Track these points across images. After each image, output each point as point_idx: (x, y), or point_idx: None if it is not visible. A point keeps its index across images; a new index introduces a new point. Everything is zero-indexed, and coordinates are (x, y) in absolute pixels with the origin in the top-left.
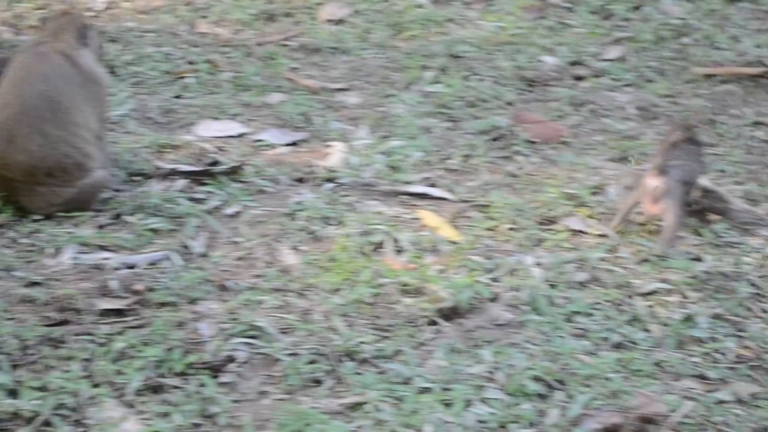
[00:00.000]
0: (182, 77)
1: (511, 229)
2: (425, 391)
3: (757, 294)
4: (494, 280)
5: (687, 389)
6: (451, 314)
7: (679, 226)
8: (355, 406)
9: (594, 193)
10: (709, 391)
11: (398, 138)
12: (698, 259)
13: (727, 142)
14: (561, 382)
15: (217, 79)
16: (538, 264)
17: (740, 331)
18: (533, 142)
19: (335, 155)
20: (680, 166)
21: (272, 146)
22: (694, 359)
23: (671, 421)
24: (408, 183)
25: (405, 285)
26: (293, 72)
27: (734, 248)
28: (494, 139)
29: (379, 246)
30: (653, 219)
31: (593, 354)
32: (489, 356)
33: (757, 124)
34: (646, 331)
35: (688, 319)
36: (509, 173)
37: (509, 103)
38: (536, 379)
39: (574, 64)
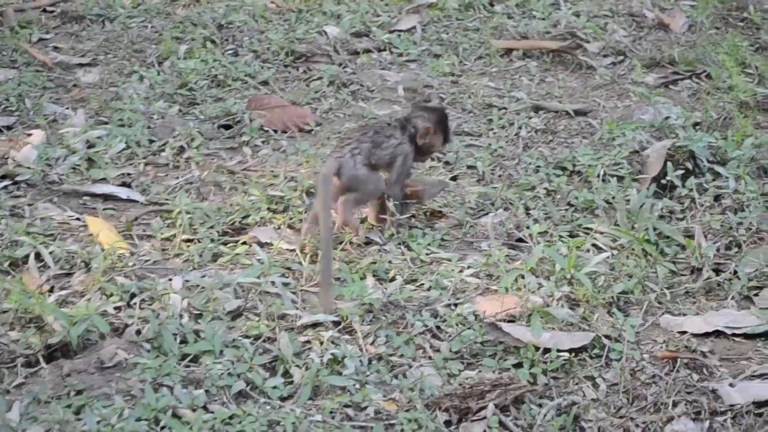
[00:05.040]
0: None
1: (187, 240)
2: None
3: (437, 327)
4: (129, 307)
5: None
6: (59, 353)
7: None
8: None
9: (311, 194)
10: None
11: (112, 125)
12: (392, 280)
13: (496, 131)
14: None
15: None
16: (192, 287)
17: (395, 376)
18: (267, 131)
19: (30, 146)
20: (359, 153)
21: None
22: (320, 417)
23: None
24: (99, 181)
25: (25, 313)
26: (33, 45)
27: (440, 265)
28: (224, 127)
29: (24, 261)
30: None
31: (203, 408)
32: (60, 414)
33: (537, 109)
34: (287, 376)
35: (337, 361)
36: (223, 169)
37: (264, 83)
38: None
39: (357, 35)
